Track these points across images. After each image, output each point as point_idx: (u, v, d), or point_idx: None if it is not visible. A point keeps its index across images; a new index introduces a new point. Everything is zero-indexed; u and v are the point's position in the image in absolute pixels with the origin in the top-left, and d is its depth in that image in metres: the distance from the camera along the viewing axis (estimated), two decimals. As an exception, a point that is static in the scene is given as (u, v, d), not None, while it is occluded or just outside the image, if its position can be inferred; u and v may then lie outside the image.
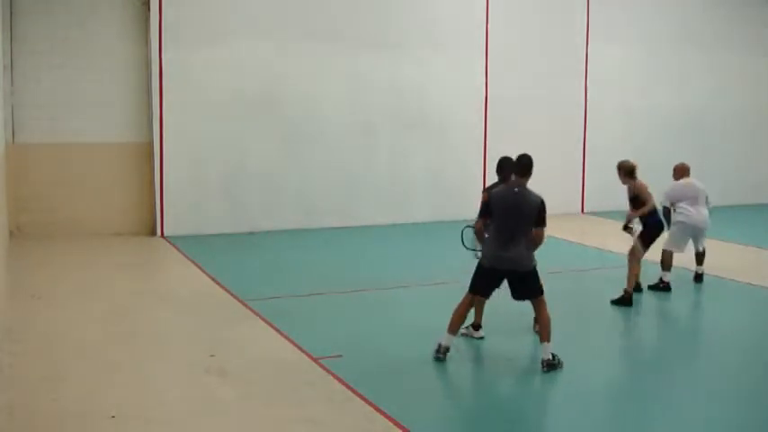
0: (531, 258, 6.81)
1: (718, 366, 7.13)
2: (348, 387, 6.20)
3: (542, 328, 6.77)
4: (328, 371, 6.54)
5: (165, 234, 12.89)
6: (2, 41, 11.35)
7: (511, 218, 6.78)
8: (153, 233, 12.96)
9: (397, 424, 5.52)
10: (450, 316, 6.95)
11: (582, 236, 13.70)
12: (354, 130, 14.19)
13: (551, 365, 6.68)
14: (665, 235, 9.47)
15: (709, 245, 10.18)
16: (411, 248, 12.55)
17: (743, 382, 6.66)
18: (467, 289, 6.99)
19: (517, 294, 6.89)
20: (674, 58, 17.04)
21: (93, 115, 12.68)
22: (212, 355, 6.89)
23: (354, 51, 14.04)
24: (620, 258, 10.03)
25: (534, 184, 6.91)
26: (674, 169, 10.16)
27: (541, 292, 6.86)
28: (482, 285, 6.93)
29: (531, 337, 6.84)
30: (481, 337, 7.52)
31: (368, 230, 13.81)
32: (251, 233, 13.25)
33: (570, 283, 9.01)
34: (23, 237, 12.25)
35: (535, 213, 6.74)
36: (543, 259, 7.02)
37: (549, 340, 6.74)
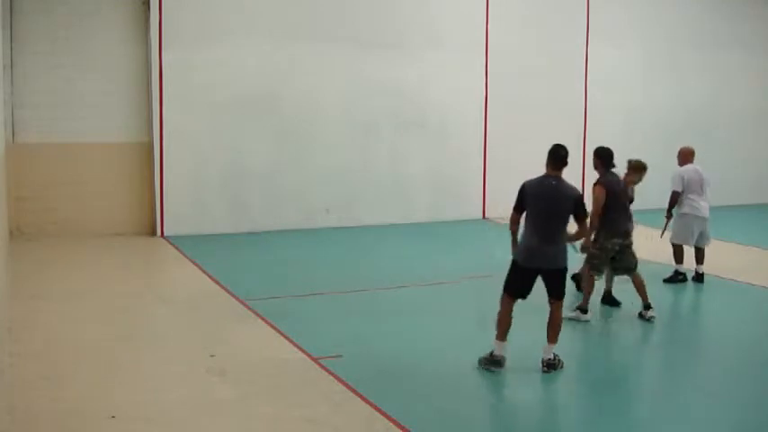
0: (565, 256, 6.70)
1: (718, 366, 7.13)
2: (348, 387, 6.20)
3: (553, 330, 6.74)
4: (328, 371, 6.53)
5: (165, 234, 12.88)
6: (2, 41, 11.31)
7: (547, 211, 6.62)
8: (153, 233, 12.95)
9: (397, 424, 5.52)
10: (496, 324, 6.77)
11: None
12: (354, 130, 14.18)
13: (551, 365, 6.68)
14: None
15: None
16: (411, 248, 12.54)
17: (743, 383, 6.66)
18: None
19: (550, 293, 6.74)
20: (673, 58, 17.03)
21: (93, 115, 12.66)
22: (212, 355, 6.89)
23: (354, 51, 14.03)
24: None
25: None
26: (681, 153, 9.82)
27: (563, 295, 6.81)
28: (516, 285, 6.73)
29: (530, 337, 6.83)
30: None
31: (368, 230, 13.80)
32: (250, 233, 13.23)
33: (571, 283, 9.00)
34: (23, 237, 12.24)
35: (572, 207, 6.62)
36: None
37: (555, 342, 6.74)
